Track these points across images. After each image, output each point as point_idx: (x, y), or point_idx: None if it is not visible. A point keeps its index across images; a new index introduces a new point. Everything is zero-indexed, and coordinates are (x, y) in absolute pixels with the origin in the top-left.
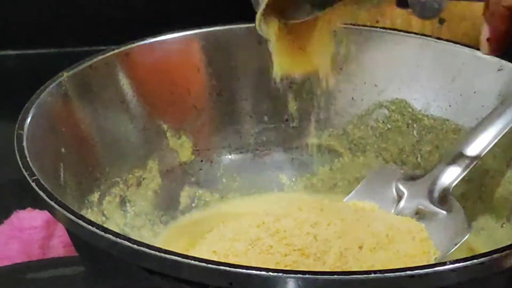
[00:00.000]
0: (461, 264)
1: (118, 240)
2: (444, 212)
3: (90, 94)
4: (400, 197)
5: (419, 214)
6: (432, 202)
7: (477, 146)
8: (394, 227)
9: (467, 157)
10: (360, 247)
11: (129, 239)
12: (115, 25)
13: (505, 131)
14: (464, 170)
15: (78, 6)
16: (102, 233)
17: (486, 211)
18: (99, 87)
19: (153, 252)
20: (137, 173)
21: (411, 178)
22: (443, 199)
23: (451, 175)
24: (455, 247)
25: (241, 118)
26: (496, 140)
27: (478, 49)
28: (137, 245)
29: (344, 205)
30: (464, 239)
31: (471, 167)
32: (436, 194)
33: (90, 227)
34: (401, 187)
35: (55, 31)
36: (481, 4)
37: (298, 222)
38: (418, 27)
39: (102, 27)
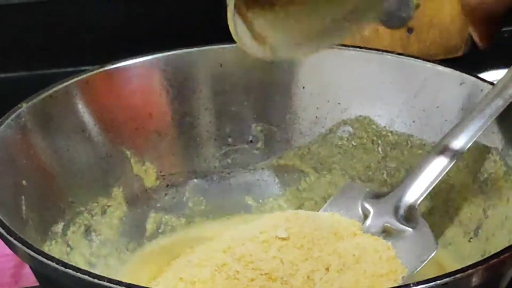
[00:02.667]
0: (424, 285)
1: (79, 275)
2: (411, 229)
3: (50, 124)
4: (366, 216)
5: (386, 232)
6: (398, 219)
7: (441, 162)
8: (361, 246)
9: (431, 174)
10: (327, 269)
11: (89, 273)
12: (84, 46)
13: (468, 146)
14: (428, 187)
15: (45, 27)
16: (62, 268)
17: (453, 226)
18: (59, 116)
19: (113, 285)
20: (101, 201)
21: (376, 196)
22: (409, 216)
23: (416, 192)
24: (422, 265)
25: (205, 141)
26: (458, 156)
27: (440, 64)
28: (98, 279)
29: (310, 222)
30: (431, 256)
31: (435, 183)
32: (402, 211)
33: (50, 262)
34: (366, 205)
35: (22, 53)
36: (449, 12)
37: (264, 246)
38: (387, 37)
39: (71, 48)
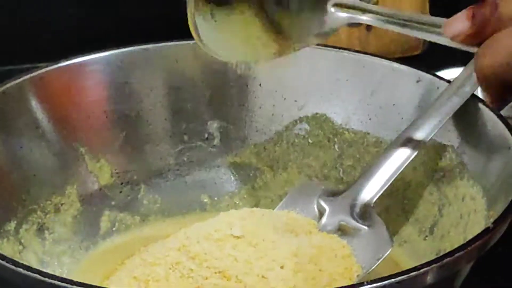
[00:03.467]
0: (378, 284)
1: (29, 273)
2: (366, 227)
3: (3, 121)
4: (322, 214)
5: (342, 231)
6: (353, 217)
7: (396, 160)
8: (316, 244)
9: (387, 172)
10: (282, 267)
11: (40, 272)
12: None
13: (424, 144)
14: (384, 185)
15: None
16: (13, 267)
17: (409, 224)
18: (13, 113)
19: (65, 284)
20: (55, 199)
21: (332, 194)
22: (365, 214)
23: (371, 190)
24: (377, 263)
25: (160, 138)
26: (415, 154)
27: (397, 62)
28: (49, 278)
29: (265, 220)
30: (386, 254)
31: (390, 181)
32: (357, 209)
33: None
34: (322, 203)
35: None
36: (407, 10)
37: (218, 244)
38: (346, 34)
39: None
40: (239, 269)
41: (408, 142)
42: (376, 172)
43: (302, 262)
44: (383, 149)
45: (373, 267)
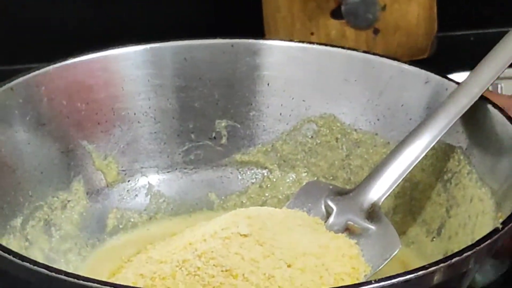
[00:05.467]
0: (386, 282)
1: (35, 268)
2: (373, 227)
3: (10, 117)
4: (329, 213)
5: (349, 230)
6: (361, 217)
7: (404, 160)
8: (323, 244)
9: (394, 172)
10: (289, 266)
11: (47, 267)
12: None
13: (432, 145)
14: (392, 185)
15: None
16: (19, 261)
17: (416, 225)
18: (20, 109)
19: (70, 279)
20: (62, 196)
21: (340, 194)
22: (372, 214)
23: (379, 190)
24: (385, 262)
25: (168, 136)
26: (423, 153)
27: (405, 63)
28: (55, 272)
29: (273, 219)
30: (394, 254)
31: (398, 182)
32: (365, 209)
33: (6, 255)
34: (330, 203)
35: None
36: (415, 14)
37: (225, 242)
38: (353, 38)
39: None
40: (246, 267)
41: (416, 142)
42: (384, 172)
43: (309, 261)
44: (391, 150)
45: (380, 267)
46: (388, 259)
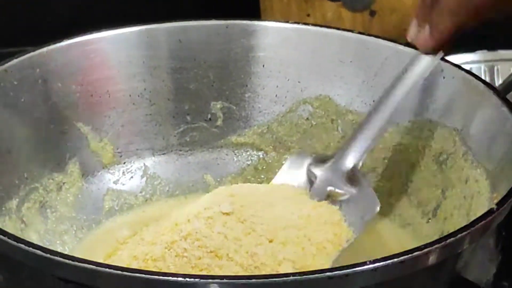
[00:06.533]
0: (381, 263)
1: (30, 249)
2: (354, 191)
3: (6, 98)
4: (312, 181)
5: (331, 197)
6: (342, 181)
7: (378, 123)
8: (305, 214)
9: (370, 134)
10: (271, 241)
11: (41, 248)
12: (41, 25)
13: (399, 105)
14: (368, 147)
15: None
16: (14, 243)
17: (412, 206)
18: (15, 91)
19: (66, 261)
20: (57, 178)
21: (322, 161)
22: (353, 177)
23: (356, 154)
24: (365, 225)
25: (163, 118)
26: (389, 118)
27: (400, 43)
28: (50, 254)
29: (255, 195)
30: (373, 215)
31: (375, 143)
32: (345, 173)
33: (2, 237)
34: (313, 170)
35: None
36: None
37: (209, 222)
38: (349, 20)
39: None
40: (230, 247)
41: (387, 105)
42: (360, 136)
43: (290, 234)
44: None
45: (362, 230)
46: (369, 221)
